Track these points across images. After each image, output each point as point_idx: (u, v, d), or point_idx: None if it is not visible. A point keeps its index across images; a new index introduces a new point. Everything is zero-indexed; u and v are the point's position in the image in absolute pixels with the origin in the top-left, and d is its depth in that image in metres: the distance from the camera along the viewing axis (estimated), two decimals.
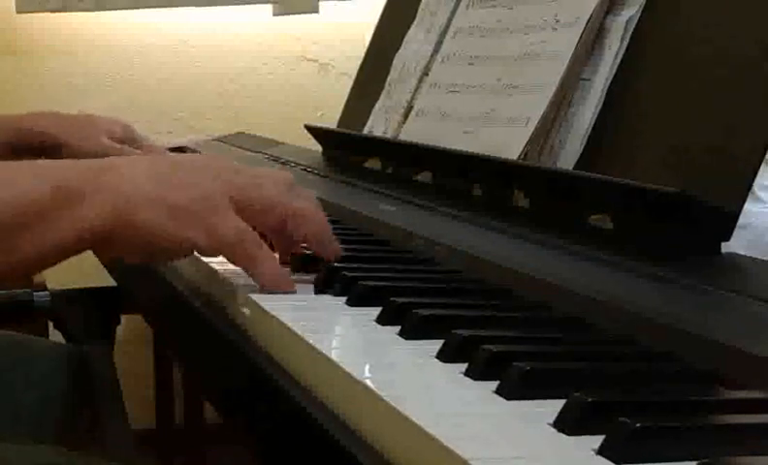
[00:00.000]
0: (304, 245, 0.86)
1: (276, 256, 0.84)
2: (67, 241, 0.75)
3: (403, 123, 1.31)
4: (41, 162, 0.81)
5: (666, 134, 0.92)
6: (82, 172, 0.77)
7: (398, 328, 0.69)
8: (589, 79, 1.03)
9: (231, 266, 0.81)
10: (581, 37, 1.04)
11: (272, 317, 0.71)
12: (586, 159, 1.00)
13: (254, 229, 0.80)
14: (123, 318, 1.48)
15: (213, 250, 0.78)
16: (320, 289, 0.81)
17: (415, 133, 1.26)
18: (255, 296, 0.76)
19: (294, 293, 0.79)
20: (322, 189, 1.32)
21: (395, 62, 1.39)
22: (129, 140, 1.32)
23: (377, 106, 1.39)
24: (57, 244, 0.75)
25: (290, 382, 0.65)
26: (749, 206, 0.93)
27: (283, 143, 1.80)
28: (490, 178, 1.07)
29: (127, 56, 2.60)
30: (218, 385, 0.83)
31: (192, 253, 0.80)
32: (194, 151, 1.68)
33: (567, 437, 0.50)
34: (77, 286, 1.46)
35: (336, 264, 0.83)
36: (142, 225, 0.75)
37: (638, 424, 0.48)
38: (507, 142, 1.07)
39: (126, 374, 1.50)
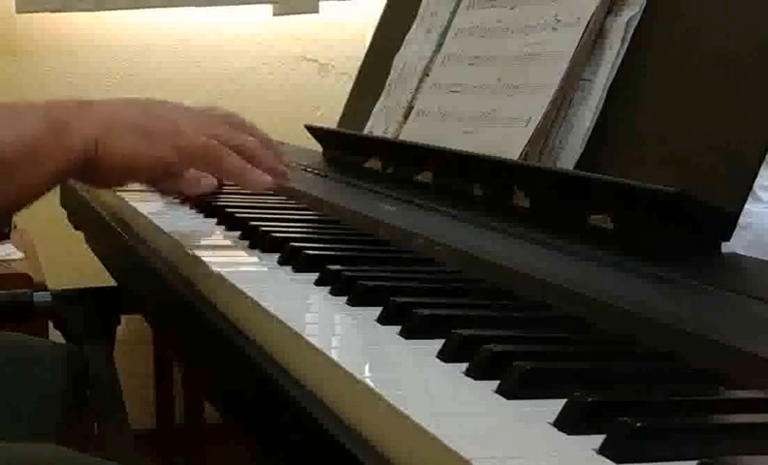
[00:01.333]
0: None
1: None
2: (61, 169, 0.87)
3: (404, 123, 1.31)
4: (33, 101, 0.93)
5: (666, 134, 0.92)
6: (69, 107, 0.90)
7: (398, 328, 0.69)
8: (589, 79, 1.03)
9: (231, 267, 0.81)
10: (581, 37, 1.04)
11: (273, 316, 0.71)
12: (586, 159, 1.00)
13: None
14: (123, 318, 1.48)
15: (185, 164, 0.94)
16: (319, 288, 0.81)
17: (415, 133, 1.26)
18: (255, 296, 0.76)
19: (272, 186, 0.96)
20: (322, 189, 1.32)
21: (395, 62, 1.39)
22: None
23: (377, 106, 1.39)
24: (53, 172, 0.87)
25: (290, 381, 0.65)
26: (749, 206, 0.93)
27: (283, 143, 1.80)
28: (490, 178, 1.07)
29: (127, 56, 2.60)
30: (218, 385, 0.84)
31: (168, 172, 0.94)
32: None
33: (567, 437, 0.50)
34: (77, 286, 1.46)
35: (335, 265, 0.83)
36: (120, 149, 0.88)
37: (638, 424, 0.48)
38: (507, 142, 1.07)
39: (126, 374, 1.50)
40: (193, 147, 0.92)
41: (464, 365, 0.60)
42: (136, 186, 1.02)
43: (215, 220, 1.11)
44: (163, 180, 0.97)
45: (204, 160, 0.93)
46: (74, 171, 0.89)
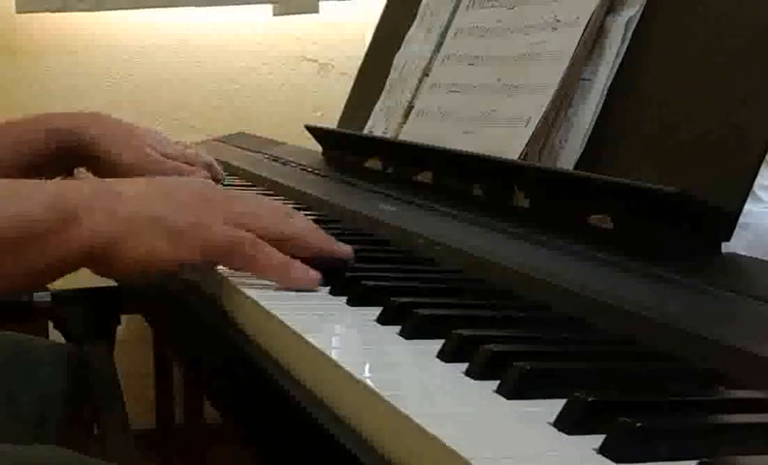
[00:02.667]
0: None
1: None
2: (63, 259, 0.78)
3: (403, 123, 1.31)
4: (42, 181, 0.83)
5: (666, 133, 0.92)
6: (80, 193, 0.79)
7: (398, 328, 0.69)
8: (589, 79, 1.03)
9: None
10: (581, 37, 1.04)
11: (273, 317, 0.71)
12: (586, 159, 1.00)
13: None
14: (123, 318, 1.48)
15: (212, 263, 0.81)
16: (319, 285, 0.81)
17: (415, 133, 1.26)
18: (255, 296, 0.76)
19: (316, 288, 0.79)
20: (322, 189, 1.32)
21: (395, 62, 1.39)
22: (164, 150, 1.27)
23: (377, 106, 1.39)
24: (54, 262, 0.78)
25: (290, 382, 0.65)
26: (749, 206, 0.93)
27: (283, 143, 1.80)
28: (490, 178, 1.07)
29: (127, 56, 2.60)
30: (218, 385, 0.84)
31: (192, 269, 0.82)
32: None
33: (567, 437, 0.50)
34: (77, 286, 1.46)
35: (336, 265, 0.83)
36: (136, 248, 0.78)
37: (638, 424, 0.48)
38: (507, 142, 1.07)
39: (126, 374, 1.50)
40: (216, 243, 0.79)
41: (464, 365, 0.60)
42: None
43: None
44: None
45: (230, 256, 0.80)
46: (83, 264, 0.80)
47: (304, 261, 0.81)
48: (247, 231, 0.80)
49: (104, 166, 1.20)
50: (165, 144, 1.28)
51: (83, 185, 0.82)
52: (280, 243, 0.81)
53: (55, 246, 0.77)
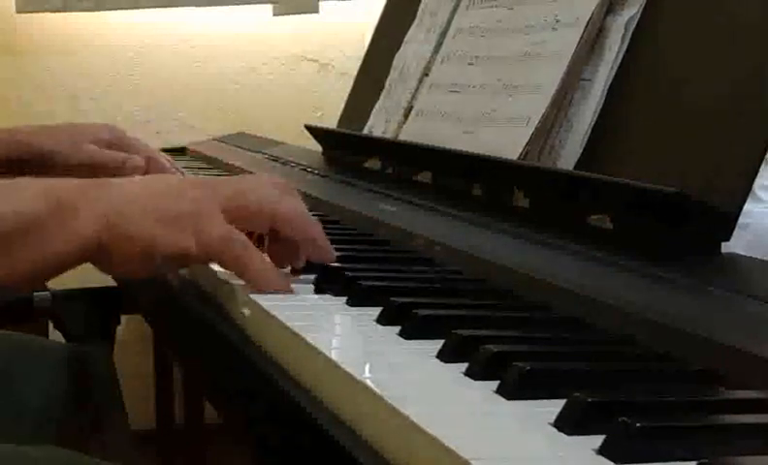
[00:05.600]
0: None
1: (266, 257, 0.84)
2: (62, 254, 0.77)
3: (403, 123, 1.31)
4: (38, 179, 0.83)
5: (666, 134, 0.92)
6: (77, 188, 0.79)
7: (398, 328, 0.69)
8: (589, 79, 1.03)
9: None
10: (581, 37, 1.04)
11: (272, 317, 0.71)
12: (586, 159, 1.00)
13: (251, 235, 0.82)
14: (123, 318, 1.48)
15: (204, 257, 0.80)
16: (320, 288, 0.81)
17: (415, 133, 1.26)
18: (255, 296, 0.76)
19: (290, 292, 0.80)
20: (322, 189, 1.32)
21: (395, 62, 1.39)
22: (118, 144, 1.29)
23: (377, 106, 1.39)
24: (53, 257, 0.77)
25: (290, 382, 0.65)
26: (749, 206, 0.93)
27: (283, 143, 1.80)
28: (490, 178, 1.07)
29: (127, 56, 2.60)
30: (218, 385, 0.83)
31: (187, 261, 0.82)
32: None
33: (567, 437, 0.50)
34: (77, 286, 1.46)
35: (335, 264, 0.83)
36: (134, 235, 0.78)
37: (638, 424, 0.48)
38: (507, 142, 1.07)
39: (126, 374, 1.50)
40: (211, 240, 0.79)
41: (464, 366, 0.60)
42: None
43: None
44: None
45: (222, 256, 0.80)
46: (86, 257, 0.79)
47: (286, 249, 0.83)
48: (238, 212, 0.81)
49: (51, 172, 1.22)
50: (117, 135, 1.30)
51: (75, 180, 0.81)
52: (271, 222, 0.82)
53: (51, 240, 0.77)
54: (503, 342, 0.62)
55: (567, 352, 0.64)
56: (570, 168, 1.00)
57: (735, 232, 0.81)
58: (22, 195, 0.79)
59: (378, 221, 1.04)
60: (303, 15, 2.58)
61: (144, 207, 0.79)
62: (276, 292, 0.79)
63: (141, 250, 0.78)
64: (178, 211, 0.79)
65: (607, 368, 0.60)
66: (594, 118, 1.00)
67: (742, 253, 0.80)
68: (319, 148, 1.56)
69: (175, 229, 0.79)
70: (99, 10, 2.50)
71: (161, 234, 0.78)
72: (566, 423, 0.51)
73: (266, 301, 0.75)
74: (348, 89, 1.57)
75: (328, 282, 0.81)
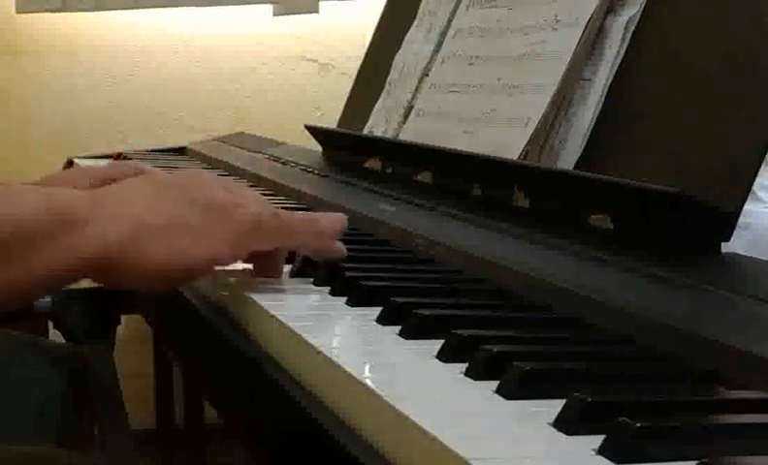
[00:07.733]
0: None
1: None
2: (60, 267, 0.72)
3: (403, 123, 1.31)
4: (44, 188, 0.79)
5: (666, 133, 0.92)
6: (84, 200, 0.74)
7: (398, 328, 0.69)
8: (589, 79, 1.03)
9: (230, 267, 0.81)
10: (581, 37, 1.04)
11: (272, 317, 0.71)
12: (586, 159, 1.00)
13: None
14: (123, 318, 1.48)
15: (238, 253, 0.77)
16: (320, 288, 0.81)
17: (415, 133, 1.26)
18: (255, 296, 0.76)
19: (344, 254, 0.83)
20: (322, 189, 1.32)
21: (395, 62, 1.39)
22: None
23: (377, 106, 1.39)
24: (51, 269, 0.72)
25: (290, 382, 0.65)
26: (749, 206, 0.93)
27: (283, 143, 1.80)
28: (490, 178, 1.07)
29: (127, 56, 2.60)
30: (218, 385, 0.83)
31: (214, 269, 0.78)
32: None
33: (567, 437, 0.50)
34: (77, 286, 1.46)
35: (336, 265, 0.83)
36: (155, 250, 0.72)
37: (638, 424, 0.48)
38: (507, 142, 1.07)
39: (126, 374, 1.50)
40: (245, 227, 0.75)
41: (464, 366, 0.60)
42: None
43: None
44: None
45: (259, 234, 0.77)
46: (87, 274, 0.74)
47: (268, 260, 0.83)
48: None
49: None
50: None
51: (82, 192, 0.76)
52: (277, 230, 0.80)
53: (54, 250, 0.71)
54: (503, 342, 0.62)
55: (567, 352, 0.64)
56: (570, 168, 1.00)
57: (735, 232, 0.81)
58: (25, 200, 0.73)
59: (378, 221, 1.04)
60: (303, 15, 2.58)
61: (160, 220, 0.73)
62: (278, 290, 0.78)
63: (164, 268, 0.73)
64: (197, 217, 0.74)
65: (607, 368, 0.60)
66: (594, 118, 1.00)
67: (742, 253, 0.80)
68: (319, 148, 1.56)
69: (200, 235, 0.74)
70: (99, 10, 2.50)
71: (184, 247, 0.73)
72: (566, 423, 0.51)
73: (266, 301, 0.75)
74: (348, 89, 1.57)
75: (328, 282, 0.81)
